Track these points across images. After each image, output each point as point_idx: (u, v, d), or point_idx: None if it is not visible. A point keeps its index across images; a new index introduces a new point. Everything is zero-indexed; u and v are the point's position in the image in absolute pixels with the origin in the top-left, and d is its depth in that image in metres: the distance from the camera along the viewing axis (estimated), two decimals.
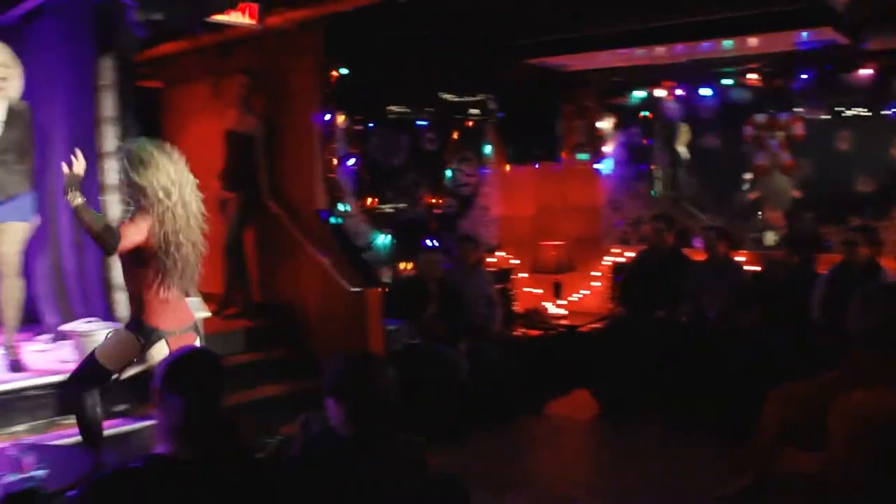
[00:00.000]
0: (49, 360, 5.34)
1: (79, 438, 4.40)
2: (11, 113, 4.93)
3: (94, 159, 5.33)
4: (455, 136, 8.32)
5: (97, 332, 5.09)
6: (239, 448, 2.03)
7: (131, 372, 4.05)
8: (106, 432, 4.62)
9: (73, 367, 5.04)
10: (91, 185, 5.34)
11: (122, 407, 5.03)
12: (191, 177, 3.96)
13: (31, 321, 5.86)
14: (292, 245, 6.33)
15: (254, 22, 5.92)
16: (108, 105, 5.28)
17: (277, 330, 6.31)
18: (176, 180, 3.83)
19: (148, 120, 6.32)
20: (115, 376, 4.04)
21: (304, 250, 6.22)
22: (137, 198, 3.82)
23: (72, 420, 4.81)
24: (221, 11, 4.95)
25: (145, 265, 3.81)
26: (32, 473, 3.01)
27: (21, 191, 4.99)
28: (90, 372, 4.06)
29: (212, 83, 7.17)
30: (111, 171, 5.27)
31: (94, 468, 3.37)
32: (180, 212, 3.81)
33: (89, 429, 4.11)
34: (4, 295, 5.05)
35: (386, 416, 2.21)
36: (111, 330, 5.10)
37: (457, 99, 8.24)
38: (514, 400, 6.29)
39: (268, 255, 6.71)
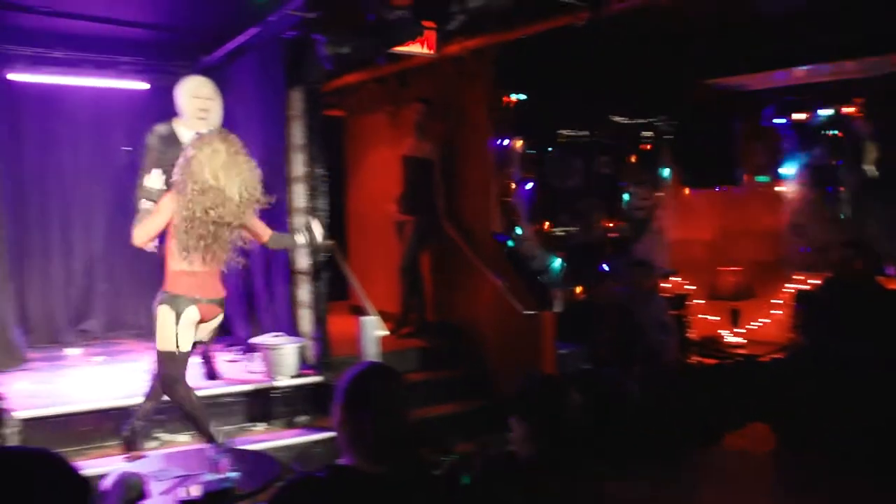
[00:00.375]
0: (240, 370, 5.69)
1: (267, 444, 4.68)
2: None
3: (284, 184, 5.68)
4: (632, 159, 8.16)
5: (284, 345, 5.39)
6: (420, 464, 2.06)
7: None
8: (287, 441, 4.89)
9: (260, 377, 5.39)
10: (280, 207, 5.69)
11: (302, 418, 5.27)
12: (243, 167, 4.23)
13: (225, 334, 6.28)
14: (467, 267, 6.42)
15: (431, 51, 6.10)
16: (298, 133, 5.61)
17: (450, 350, 6.41)
18: (210, 169, 4.07)
19: (332, 147, 6.64)
20: (185, 351, 4.27)
21: (478, 272, 6.28)
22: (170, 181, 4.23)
23: (260, 427, 5.13)
24: (405, 42, 5.13)
25: (172, 240, 4.18)
26: (228, 475, 3.20)
27: None
28: (169, 366, 4.26)
29: (391, 111, 7.44)
30: (299, 195, 5.60)
31: (281, 474, 3.54)
32: (209, 198, 4.06)
33: (198, 419, 4.35)
34: None
35: (568, 439, 2.19)
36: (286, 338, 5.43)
37: (629, 121, 8.10)
38: (687, 430, 6.04)
39: (443, 276, 6.85)
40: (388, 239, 7.16)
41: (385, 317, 5.95)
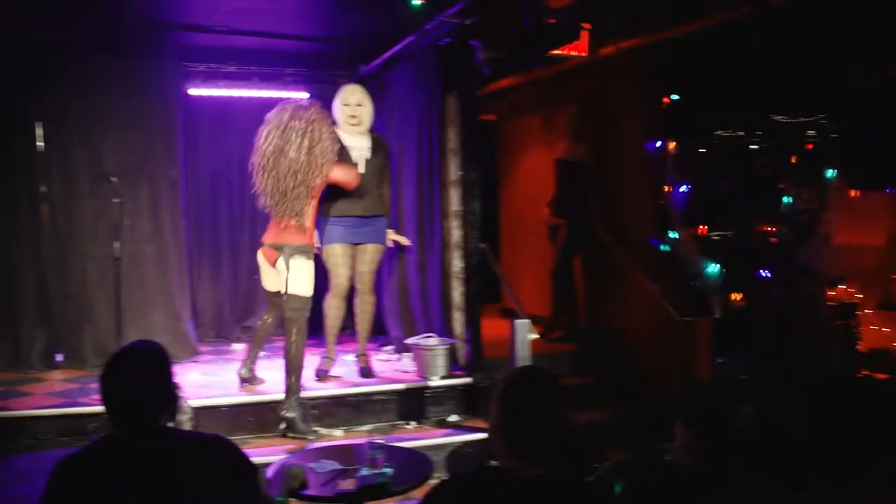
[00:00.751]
0: (392, 369, 5.85)
1: (418, 443, 4.77)
2: (375, 143, 5.52)
3: (439, 187, 5.79)
4: (793, 159, 7.74)
5: (436, 346, 5.48)
6: (575, 469, 2.04)
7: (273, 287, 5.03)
8: (437, 441, 4.95)
9: (412, 377, 5.51)
10: (435, 211, 5.80)
11: (453, 418, 5.34)
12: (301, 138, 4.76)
13: (379, 333, 6.47)
14: (620, 271, 6.30)
15: (585, 53, 6.03)
16: (452, 138, 5.69)
17: (602, 355, 6.32)
18: (276, 143, 4.78)
19: (484, 151, 6.69)
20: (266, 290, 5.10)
21: (632, 277, 6.16)
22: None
23: (411, 425, 5.23)
24: (561, 46, 5.11)
25: None
26: (384, 470, 3.29)
27: (381, 213, 5.54)
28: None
29: (543, 114, 7.42)
30: (454, 199, 5.68)
31: (434, 473, 3.60)
32: (282, 165, 4.74)
33: (289, 365, 4.88)
34: (359, 308, 5.63)
35: (734, 452, 2.11)
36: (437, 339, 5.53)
37: (790, 120, 7.67)
38: (858, 448, 5.66)
39: (595, 280, 6.75)
40: (541, 242, 7.14)
41: (536, 320, 5.93)
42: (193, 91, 6.70)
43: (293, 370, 4.84)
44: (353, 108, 5.41)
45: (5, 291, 5.99)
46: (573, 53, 5.92)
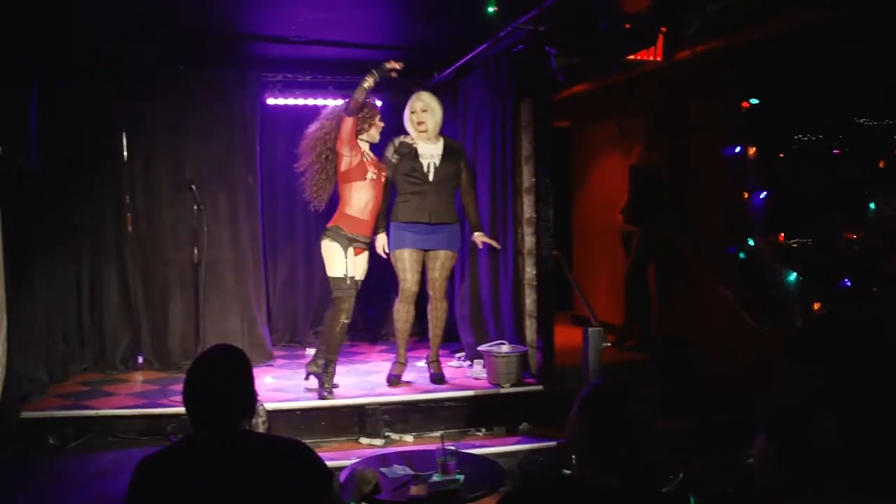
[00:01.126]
0: (464, 375, 5.85)
1: (488, 450, 4.75)
2: (448, 150, 5.54)
3: (512, 194, 5.78)
4: (880, 164, 7.45)
5: (509, 354, 5.46)
6: (650, 480, 2.00)
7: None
8: (507, 448, 4.93)
9: (483, 383, 5.50)
10: (508, 217, 5.79)
11: (523, 426, 5.30)
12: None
13: (451, 340, 6.48)
14: (696, 280, 6.18)
15: (660, 58, 5.93)
16: (526, 145, 5.68)
17: (675, 365, 6.19)
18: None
19: (557, 157, 6.64)
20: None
21: (707, 285, 6.03)
22: None
23: (481, 432, 5.22)
24: (638, 51, 5.04)
25: None
26: (455, 476, 3.29)
27: (452, 221, 5.55)
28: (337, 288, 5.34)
29: (616, 120, 7.34)
30: (527, 206, 5.66)
31: (503, 480, 3.59)
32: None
33: (325, 344, 5.42)
34: (431, 315, 5.66)
35: (818, 464, 2.03)
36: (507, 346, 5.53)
37: (877, 123, 7.39)
38: None
39: (669, 288, 6.63)
40: (614, 249, 7.07)
41: (608, 328, 5.85)
42: (271, 101, 6.85)
43: (327, 342, 5.36)
44: (418, 114, 5.49)
45: (92, 296, 6.22)
46: (648, 58, 5.83)
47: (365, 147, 5.43)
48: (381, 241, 5.58)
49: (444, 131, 5.71)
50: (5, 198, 5.03)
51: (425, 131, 5.49)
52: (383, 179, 5.44)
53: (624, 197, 6.77)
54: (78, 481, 4.12)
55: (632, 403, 2.04)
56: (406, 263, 5.48)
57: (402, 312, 5.56)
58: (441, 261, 5.51)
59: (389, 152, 5.54)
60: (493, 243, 5.73)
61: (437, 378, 5.61)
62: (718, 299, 5.91)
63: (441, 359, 5.90)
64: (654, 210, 6.49)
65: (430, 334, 5.71)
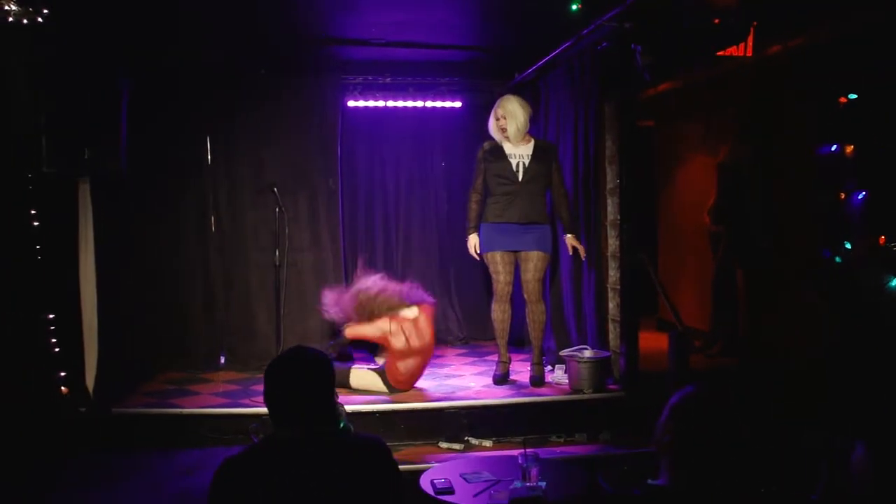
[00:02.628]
0: (545, 380, 5.77)
1: (570, 457, 4.71)
2: (538, 149, 5.53)
3: (595, 196, 5.71)
4: None
5: (591, 359, 5.40)
6: (743, 490, 1.96)
7: None
8: (589, 455, 4.87)
9: (565, 388, 5.45)
10: (591, 220, 5.73)
11: (605, 434, 5.23)
12: None
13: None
14: (787, 284, 5.99)
15: (750, 53, 5.77)
16: (610, 145, 5.61)
17: (764, 372, 6.01)
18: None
19: (642, 157, 6.54)
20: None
21: (800, 290, 5.84)
22: None
23: (562, 438, 5.17)
24: (728, 47, 4.92)
25: None
26: (538, 483, 3.26)
27: (543, 221, 5.53)
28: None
29: (703, 118, 7.18)
30: (612, 208, 5.58)
31: (588, 488, 3.54)
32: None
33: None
34: (529, 318, 5.67)
35: None
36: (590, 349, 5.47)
37: None
38: None
39: (759, 292, 6.44)
40: (701, 252, 6.91)
41: (695, 333, 5.72)
42: (351, 103, 6.94)
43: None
44: (500, 121, 5.54)
45: (176, 297, 6.42)
46: (737, 54, 5.69)
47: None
48: (473, 241, 5.66)
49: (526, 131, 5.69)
50: (96, 201, 5.24)
51: (507, 138, 5.50)
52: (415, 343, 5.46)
53: (711, 197, 6.62)
54: (164, 477, 4.26)
55: (726, 412, 2.00)
56: (499, 266, 5.55)
57: (499, 312, 5.63)
58: (533, 262, 5.50)
59: (479, 155, 5.65)
60: (581, 251, 5.66)
61: (536, 381, 5.62)
62: (812, 305, 5.72)
63: (521, 363, 5.86)
64: (744, 210, 6.32)
65: (531, 336, 5.74)
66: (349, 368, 5.59)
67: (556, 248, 6.00)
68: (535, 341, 5.69)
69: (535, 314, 5.60)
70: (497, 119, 5.55)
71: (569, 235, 5.60)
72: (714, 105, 6.95)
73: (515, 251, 5.53)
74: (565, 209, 5.61)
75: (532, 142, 5.58)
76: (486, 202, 5.60)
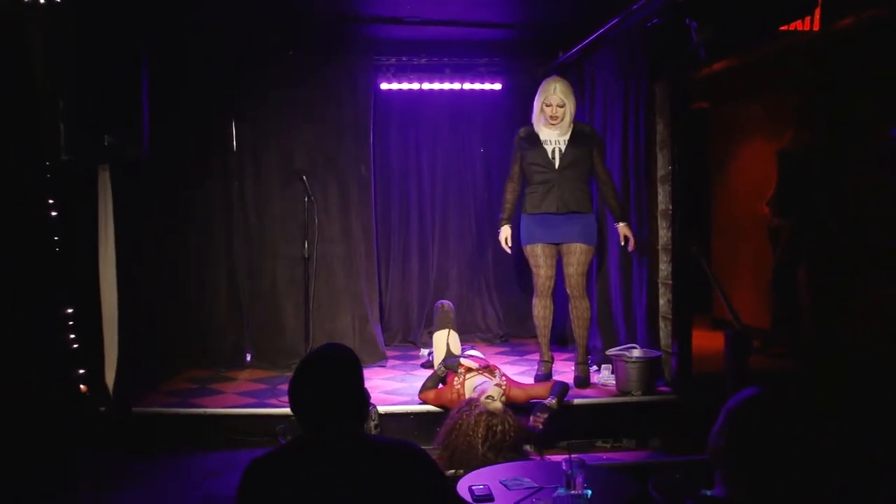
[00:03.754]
0: (591, 381, 5.74)
1: (616, 463, 4.66)
2: (575, 133, 5.48)
3: (645, 184, 5.65)
4: None
5: (640, 359, 5.34)
6: (798, 501, 1.92)
7: None
8: (638, 462, 4.83)
9: (612, 390, 5.41)
10: (641, 210, 5.67)
11: (655, 440, 5.19)
12: None
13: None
14: (856, 279, 5.88)
15: (816, 28, 5.65)
16: (661, 129, 5.54)
17: (832, 376, 5.91)
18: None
19: (696, 142, 6.45)
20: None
21: (870, 286, 5.72)
22: None
23: (608, 443, 5.13)
24: (792, 21, 4.81)
25: None
26: (583, 492, 3.24)
27: (585, 210, 5.49)
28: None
29: (763, 100, 7.07)
30: (663, 197, 5.52)
31: (637, 498, 3.50)
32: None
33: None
34: (573, 315, 5.62)
35: None
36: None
37: None
38: None
39: (824, 289, 6.33)
40: (760, 245, 6.82)
41: (753, 333, 5.64)
42: (384, 86, 6.94)
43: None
44: (554, 108, 5.40)
45: (199, 291, 6.48)
46: (802, 28, 5.58)
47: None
48: (505, 234, 5.66)
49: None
50: (116, 189, 5.29)
51: (556, 126, 5.44)
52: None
53: (771, 186, 6.53)
54: (187, 479, 4.31)
55: (789, 418, 1.96)
56: (539, 259, 5.51)
57: (540, 308, 5.61)
58: (576, 255, 5.45)
59: (515, 141, 5.62)
60: (632, 241, 5.55)
61: (581, 381, 5.58)
62: (884, 301, 5.61)
63: (564, 363, 5.82)
64: (808, 200, 6.21)
65: (574, 335, 5.71)
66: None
67: (603, 240, 5.95)
68: (579, 340, 5.64)
69: (579, 311, 5.55)
70: (549, 105, 5.40)
71: (621, 224, 5.52)
72: (775, 85, 6.84)
73: (557, 243, 5.49)
74: (612, 196, 5.55)
75: (569, 127, 5.52)
76: (524, 192, 5.57)
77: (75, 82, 4.47)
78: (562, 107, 5.40)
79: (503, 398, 4.68)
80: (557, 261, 5.55)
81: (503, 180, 5.79)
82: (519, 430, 4.49)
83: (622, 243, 5.58)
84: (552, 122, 5.42)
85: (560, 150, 5.41)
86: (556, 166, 5.41)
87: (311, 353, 2.35)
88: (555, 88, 5.42)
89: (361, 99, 6.62)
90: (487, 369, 5.06)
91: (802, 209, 6.25)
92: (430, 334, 7.26)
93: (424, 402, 5.18)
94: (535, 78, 6.47)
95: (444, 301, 6.19)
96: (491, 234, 7.31)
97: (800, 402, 2.00)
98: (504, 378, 4.99)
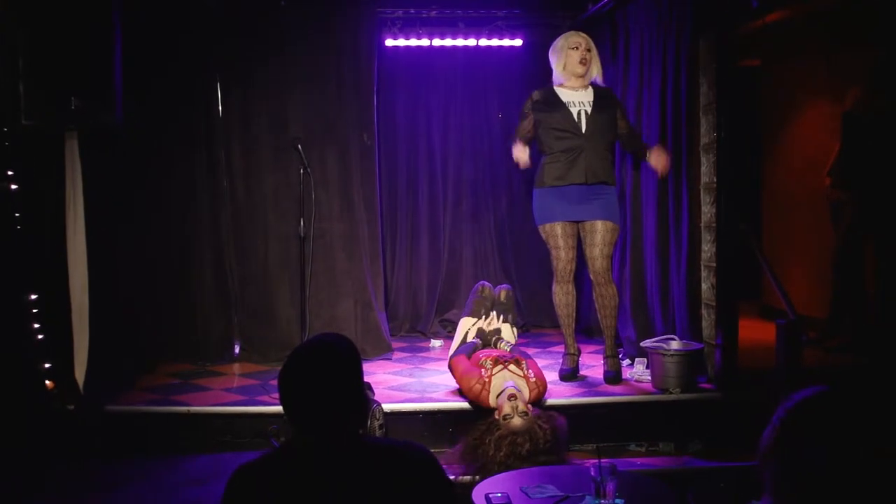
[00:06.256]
0: (623, 376, 5.73)
1: (652, 469, 4.67)
2: (599, 96, 5.47)
3: (686, 153, 5.62)
4: None
5: (679, 352, 5.34)
6: None
7: None
8: (676, 468, 4.86)
9: (647, 387, 5.40)
10: (681, 183, 5.64)
11: (696, 443, 5.20)
12: None
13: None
14: None
15: None
16: (705, 91, 5.51)
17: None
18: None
19: (745, 106, 6.39)
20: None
21: None
22: None
23: (642, 447, 5.14)
24: None
25: None
26: (614, 501, 3.24)
27: (611, 182, 5.50)
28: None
29: (826, 56, 7.02)
30: (706, 168, 5.49)
31: None
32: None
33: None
34: (598, 304, 5.61)
35: None
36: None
37: None
38: None
39: (892, 272, 6.29)
40: (818, 223, 6.80)
41: (810, 323, 5.61)
42: (390, 42, 6.93)
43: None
44: (581, 52, 5.44)
45: (182, 275, 6.48)
46: None
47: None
48: (521, 153, 5.58)
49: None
50: (86, 159, 5.28)
51: (583, 75, 5.42)
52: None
53: (833, 155, 6.50)
54: (166, 488, 4.33)
55: (849, 422, 1.95)
56: (559, 240, 5.50)
57: (561, 295, 5.61)
58: (601, 234, 5.45)
59: (527, 106, 5.57)
60: (666, 159, 5.50)
61: (612, 377, 5.57)
62: None
63: (592, 355, 5.81)
64: (875, 171, 6.17)
65: (602, 325, 5.71)
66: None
67: (637, 217, 5.92)
68: (607, 330, 5.63)
69: (606, 298, 5.54)
70: (575, 49, 5.43)
71: (654, 147, 5.54)
72: (839, 40, 6.78)
73: (578, 221, 5.47)
74: (640, 143, 5.62)
75: (590, 87, 5.52)
76: (542, 163, 5.54)
77: (36, 39, 4.46)
78: (589, 50, 5.43)
79: (527, 403, 4.58)
80: (578, 242, 5.53)
81: None
82: (548, 433, 4.37)
83: (659, 175, 5.57)
84: (579, 72, 5.42)
85: (586, 113, 5.40)
86: (583, 130, 5.38)
87: (303, 345, 2.34)
88: (572, 33, 5.50)
89: (364, 57, 6.59)
90: (515, 360, 5.02)
91: (869, 180, 6.21)
92: (442, 323, 7.29)
93: (449, 370, 5.25)
94: (560, 33, 6.44)
95: (485, 283, 6.10)
96: (510, 208, 7.31)
97: (865, 403, 1.98)
98: (531, 371, 4.95)
